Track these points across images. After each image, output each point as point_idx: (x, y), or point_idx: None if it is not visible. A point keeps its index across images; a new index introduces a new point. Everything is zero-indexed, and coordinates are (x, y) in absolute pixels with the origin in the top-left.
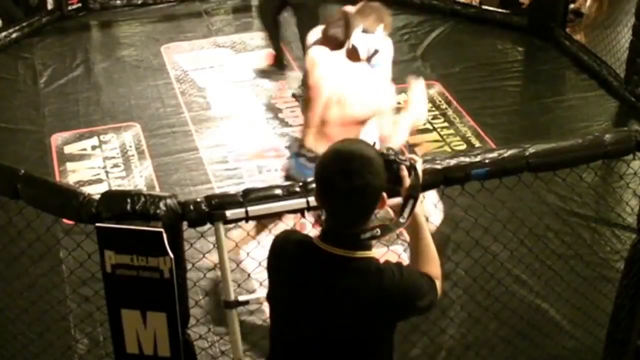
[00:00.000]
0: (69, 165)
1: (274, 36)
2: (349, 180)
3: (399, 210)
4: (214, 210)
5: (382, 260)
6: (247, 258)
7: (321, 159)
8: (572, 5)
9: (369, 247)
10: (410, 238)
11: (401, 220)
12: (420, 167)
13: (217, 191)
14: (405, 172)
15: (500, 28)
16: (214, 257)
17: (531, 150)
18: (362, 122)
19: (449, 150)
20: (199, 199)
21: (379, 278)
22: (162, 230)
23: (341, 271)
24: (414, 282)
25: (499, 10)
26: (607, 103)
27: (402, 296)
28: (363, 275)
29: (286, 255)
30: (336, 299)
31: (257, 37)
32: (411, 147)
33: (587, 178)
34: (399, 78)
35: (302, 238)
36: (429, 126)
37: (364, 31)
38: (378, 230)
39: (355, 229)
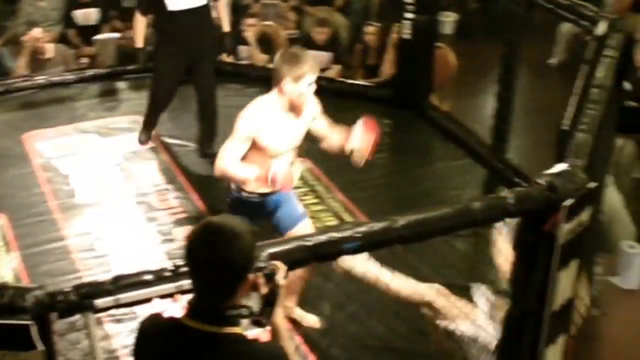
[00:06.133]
0: None
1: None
2: (212, 252)
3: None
4: (83, 299)
5: None
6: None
7: (192, 229)
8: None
9: (236, 324)
10: None
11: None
12: (282, 275)
13: (87, 280)
14: (261, 280)
15: (366, 101)
16: None
17: (401, 222)
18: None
19: (320, 226)
20: (67, 289)
21: (248, 351)
22: (30, 323)
23: (210, 348)
24: (279, 352)
25: (364, 83)
26: (475, 170)
27: None
28: (231, 350)
29: (153, 341)
30: None
31: (122, 121)
32: None
33: (460, 246)
34: None
35: (169, 320)
36: None
37: None
38: (246, 309)
39: (220, 303)
